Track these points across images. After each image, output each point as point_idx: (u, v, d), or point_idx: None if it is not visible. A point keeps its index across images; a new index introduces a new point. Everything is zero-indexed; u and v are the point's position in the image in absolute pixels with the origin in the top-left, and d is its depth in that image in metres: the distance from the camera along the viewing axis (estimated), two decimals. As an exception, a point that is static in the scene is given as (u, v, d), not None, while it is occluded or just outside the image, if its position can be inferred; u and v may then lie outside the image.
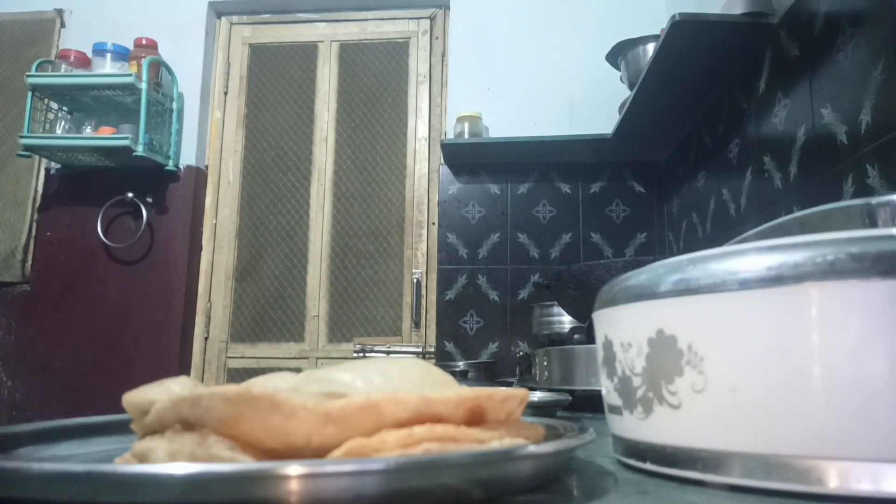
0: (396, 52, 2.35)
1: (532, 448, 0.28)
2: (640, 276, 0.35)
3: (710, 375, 0.30)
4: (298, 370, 2.05)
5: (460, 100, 2.17)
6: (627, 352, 0.34)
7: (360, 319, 2.19)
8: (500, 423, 0.31)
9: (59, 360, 2.14)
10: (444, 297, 2.10)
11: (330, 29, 2.39)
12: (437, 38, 2.35)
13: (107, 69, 2.11)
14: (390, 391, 0.30)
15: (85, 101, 2.19)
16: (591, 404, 0.81)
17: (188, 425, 0.27)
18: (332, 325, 2.19)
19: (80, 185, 2.25)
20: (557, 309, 1.71)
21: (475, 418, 0.29)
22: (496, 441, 0.29)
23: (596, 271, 0.90)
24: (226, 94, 2.37)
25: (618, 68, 1.76)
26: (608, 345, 0.37)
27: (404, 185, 2.26)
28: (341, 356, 2.15)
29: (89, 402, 2.09)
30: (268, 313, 2.22)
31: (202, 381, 2.16)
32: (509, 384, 1.36)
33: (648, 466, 0.34)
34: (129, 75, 2.03)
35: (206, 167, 2.32)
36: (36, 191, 2.26)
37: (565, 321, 1.69)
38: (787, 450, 0.28)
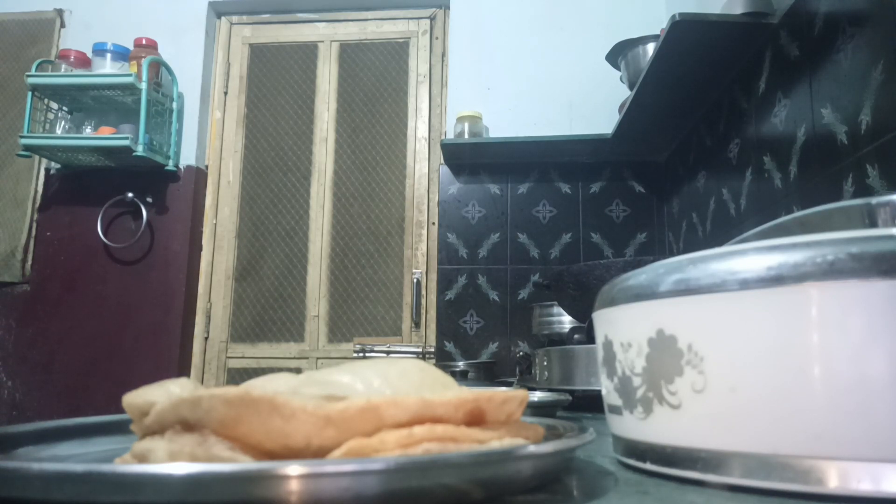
0: (396, 52, 2.35)
1: (532, 448, 0.28)
2: (640, 276, 0.35)
3: (710, 375, 0.30)
4: (298, 370, 2.05)
5: (460, 100, 2.17)
6: (627, 352, 0.34)
7: (360, 319, 2.19)
8: (500, 424, 0.31)
9: (59, 360, 2.14)
10: (444, 297, 2.10)
11: (330, 29, 2.39)
12: (437, 38, 2.35)
13: (107, 69, 2.11)
14: (390, 393, 0.30)
15: (85, 101, 2.19)
16: (591, 404, 0.81)
17: (188, 426, 0.27)
18: (332, 325, 2.19)
19: (80, 185, 2.25)
20: (557, 309, 1.71)
21: (475, 420, 0.29)
22: (496, 441, 0.29)
23: (596, 271, 0.90)
24: (226, 94, 2.37)
25: (618, 68, 1.76)
26: (608, 345, 0.37)
27: (404, 185, 2.26)
28: (341, 356, 2.16)
29: (89, 402, 2.09)
30: (268, 313, 2.22)
31: (202, 381, 2.16)
32: (509, 384, 1.35)
33: (648, 466, 0.34)
34: (129, 75, 2.03)
35: (206, 167, 2.32)
36: (36, 191, 2.26)
37: (565, 321, 1.69)
38: (787, 450, 0.28)
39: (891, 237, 0.27)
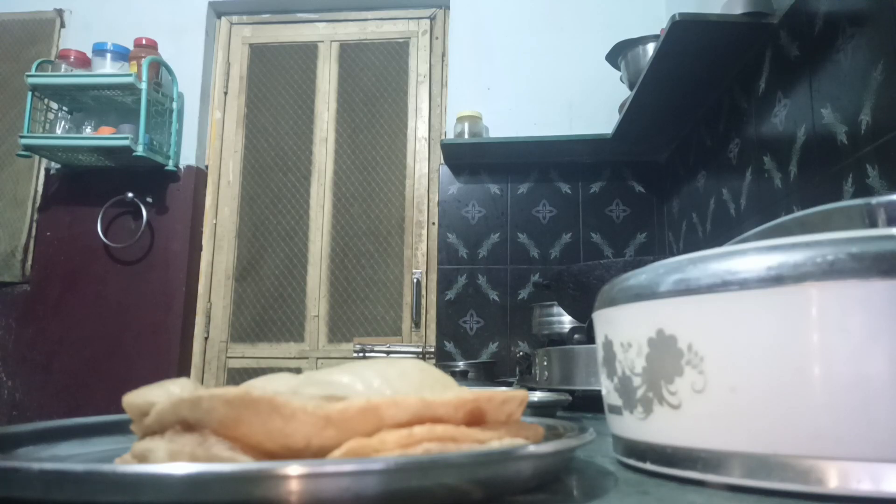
0: (396, 52, 2.35)
1: (532, 448, 0.28)
2: (640, 276, 0.35)
3: (710, 375, 0.30)
4: (298, 370, 2.05)
5: (460, 100, 2.17)
6: (627, 352, 0.34)
7: (360, 319, 2.19)
8: (500, 424, 0.31)
9: (59, 360, 2.14)
10: (444, 297, 2.10)
11: (330, 29, 2.38)
12: (437, 38, 2.35)
13: (107, 69, 2.11)
14: (390, 394, 0.30)
15: (85, 101, 2.19)
16: (591, 404, 0.81)
17: (188, 426, 0.27)
18: (332, 325, 2.19)
19: (80, 185, 2.25)
20: (557, 309, 1.71)
21: (475, 420, 0.29)
22: (496, 441, 0.29)
23: (596, 271, 0.90)
24: (226, 94, 2.37)
25: (618, 68, 1.76)
26: (608, 345, 0.37)
27: (404, 185, 2.26)
28: (341, 356, 2.15)
29: (89, 402, 2.09)
30: (268, 313, 2.22)
31: (202, 381, 2.16)
32: (509, 384, 1.35)
33: (648, 466, 0.34)
34: (129, 75, 2.03)
35: (206, 167, 2.32)
36: (36, 191, 2.26)
37: (565, 321, 1.68)
38: (787, 450, 0.28)
39: (891, 237, 0.27)
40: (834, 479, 0.27)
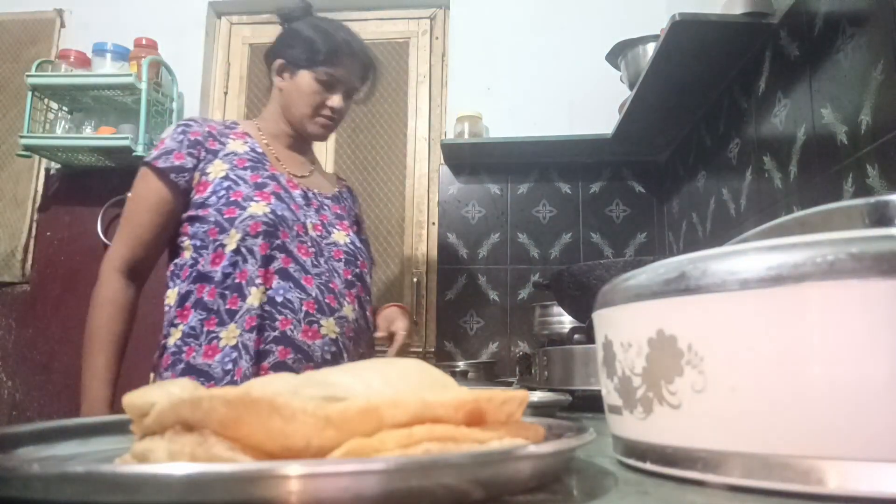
0: (396, 52, 2.35)
1: (532, 448, 0.28)
2: (640, 276, 0.35)
3: (710, 375, 0.30)
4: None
5: (460, 100, 2.17)
6: (627, 352, 0.34)
7: (360, 319, 2.18)
8: (500, 424, 0.31)
9: (59, 360, 2.14)
10: (444, 297, 2.10)
11: (330, 29, 2.38)
12: (437, 38, 2.35)
13: (107, 69, 2.11)
14: (389, 394, 0.30)
15: (85, 101, 2.18)
16: (591, 404, 0.81)
17: (188, 427, 0.27)
18: (332, 325, 2.19)
19: (80, 185, 2.25)
20: (557, 309, 1.71)
21: (475, 420, 0.29)
22: (496, 441, 0.29)
23: (596, 271, 0.90)
24: (226, 94, 2.37)
25: (618, 68, 1.76)
26: (608, 345, 0.37)
27: (404, 185, 2.26)
28: (341, 356, 2.15)
29: (89, 402, 2.09)
30: (268, 313, 2.22)
31: (202, 381, 2.16)
32: (509, 384, 1.36)
33: (648, 466, 0.34)
34: (129, 75, 2.03)
35: (206, 167, 2.32)
36: (36, 191, 2.26)
37: (565, 321, 1.68)
38: (787, 450, 0.28)
39: (891, 237, 0.27)
40: (834, 479, 0.27)
